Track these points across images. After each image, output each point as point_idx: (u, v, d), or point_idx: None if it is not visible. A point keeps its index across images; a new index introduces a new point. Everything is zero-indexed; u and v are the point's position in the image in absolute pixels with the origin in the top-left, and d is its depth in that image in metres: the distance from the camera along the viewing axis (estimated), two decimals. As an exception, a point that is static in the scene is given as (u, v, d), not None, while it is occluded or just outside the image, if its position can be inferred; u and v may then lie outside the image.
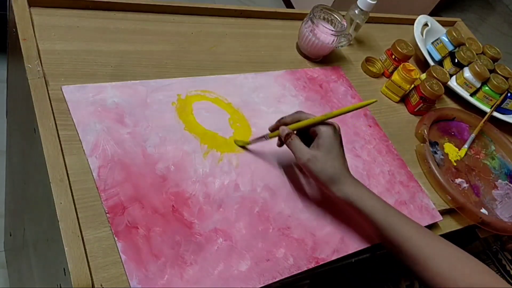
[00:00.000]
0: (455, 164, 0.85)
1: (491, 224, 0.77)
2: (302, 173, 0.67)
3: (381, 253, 0.67)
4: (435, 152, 0.84)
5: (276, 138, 0.65)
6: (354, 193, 0.59)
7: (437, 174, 0.78)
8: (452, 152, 0.87)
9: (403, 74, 0.88)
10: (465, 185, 0.82)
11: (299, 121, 0.62)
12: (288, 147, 0.61)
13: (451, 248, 0.58)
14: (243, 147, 0.67)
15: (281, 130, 0.62)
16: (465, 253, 0.58)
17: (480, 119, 0.94)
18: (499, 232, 0.78)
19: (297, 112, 0.63)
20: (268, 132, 0.65)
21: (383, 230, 0.59)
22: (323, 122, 0.60)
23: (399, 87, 0.89)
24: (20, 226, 0.88)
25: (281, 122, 0.63)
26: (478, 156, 0.91)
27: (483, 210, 0.80)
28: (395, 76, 0.89)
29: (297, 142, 0.60)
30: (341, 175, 0.60)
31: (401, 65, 0.89)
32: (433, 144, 0.86)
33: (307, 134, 0.63)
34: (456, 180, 0.82)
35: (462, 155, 0.88)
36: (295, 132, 0.62)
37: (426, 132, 0.84)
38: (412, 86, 0.91)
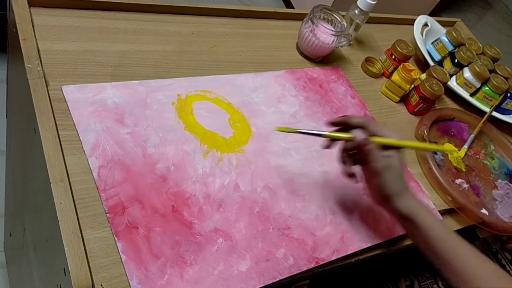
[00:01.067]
0: (455, 164, 0.85)
1: (492, 225, 0.76)
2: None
3: (381, 253, 0.67)
4: (435, 153, 0.84)
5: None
6: (417, 208, 0.60)
7: (438, 175, 0.78)
8: (452, 153, 0.87)
9: (403, 74, 0.88)
10: (465, 185, 0.82)
11: (363, 125, 0.61)
12: (367, 152, 0.60)
13: (503, 273, 0.59)
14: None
15: (357, 135, 0.60)
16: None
17: (479, 119, 0.95)
18: (499, 232, 0.78)
19: (342, 116, 0.62)
20: (325, 132, 0.62)
21: (436, 247, 0.59)
22: (393, 130, 0.60)
23: (399, 87, 0.89)
24: (20, 226, 0.88)
25: (347, 119, 0.62)
26: (478, 156, 0.91)
27: (483, 211, 0.80)
28: (395, 76, 0.89)
29: (376, 149, 0.59)
30: (407, 191, 0.61)
31: (401, 65, 0.89)
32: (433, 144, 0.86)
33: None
34: (456, 180, 0.82)
35: (462, 155, 0.88)
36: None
37: (426, 133, 0.84)
38: (412, 86, 0.91)
